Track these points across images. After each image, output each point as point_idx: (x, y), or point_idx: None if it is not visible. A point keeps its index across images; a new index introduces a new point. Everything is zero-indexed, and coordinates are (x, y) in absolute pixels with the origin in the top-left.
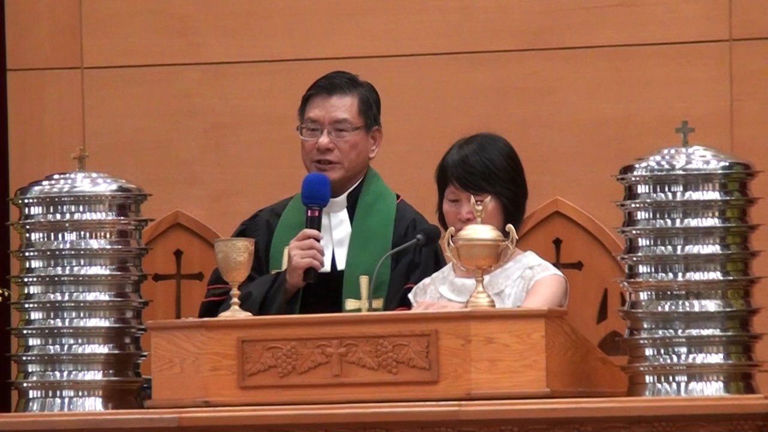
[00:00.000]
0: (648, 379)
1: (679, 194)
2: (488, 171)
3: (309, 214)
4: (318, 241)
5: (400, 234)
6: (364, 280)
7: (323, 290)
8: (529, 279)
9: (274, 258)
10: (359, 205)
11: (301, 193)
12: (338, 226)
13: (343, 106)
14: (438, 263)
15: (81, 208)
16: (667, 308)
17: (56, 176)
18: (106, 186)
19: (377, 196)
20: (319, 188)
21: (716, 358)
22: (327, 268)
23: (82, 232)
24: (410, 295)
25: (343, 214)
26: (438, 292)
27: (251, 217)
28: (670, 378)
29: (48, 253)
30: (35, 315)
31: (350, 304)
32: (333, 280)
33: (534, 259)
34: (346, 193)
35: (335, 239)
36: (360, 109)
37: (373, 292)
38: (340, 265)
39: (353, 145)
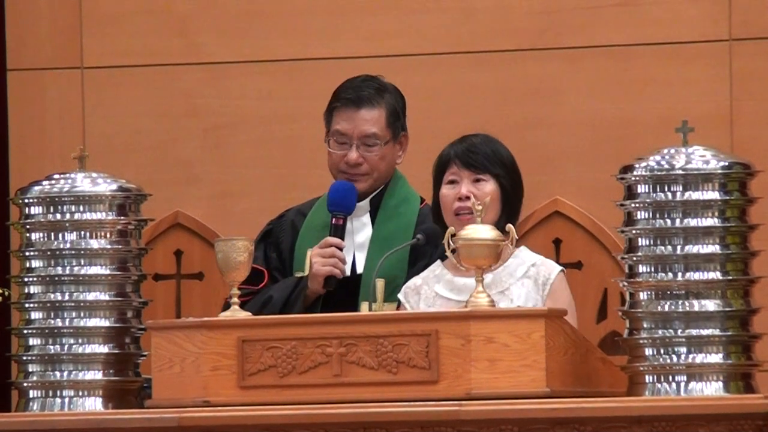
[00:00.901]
0: (648, 378)
1: (678, 194)
2: (493, 155)
3: (333, 222)
4: (340, 249)
5: None
6: (379, 283)
7: (343, 294)
8: (541, 280)
9: (298, 259)
10: (381, 209)
11: (327, 200)
12: (360, 230)
13: (372, 120)
14: None
15: (81, 208)
16: (666, 308)
17: (56, 176)
18: (106, 186)
19: (401, 200)
20: (345, 196)
21: (716, 357)
22: (347, 272)
23: (82, 232)
24: (401, 296)
25: (366, 218)
26: (433, 291)
27: (278, 216)
28: (670, 378)
29: (48, 252)
30: (35, 315)
31: (364, 307)
32: (353, 283)
33: (531, 255)
34: (369, 198)
35: (356, 243)
36: (388, 121)
37: (389, 295)
38: (360, 269)
39: (382, 157)
